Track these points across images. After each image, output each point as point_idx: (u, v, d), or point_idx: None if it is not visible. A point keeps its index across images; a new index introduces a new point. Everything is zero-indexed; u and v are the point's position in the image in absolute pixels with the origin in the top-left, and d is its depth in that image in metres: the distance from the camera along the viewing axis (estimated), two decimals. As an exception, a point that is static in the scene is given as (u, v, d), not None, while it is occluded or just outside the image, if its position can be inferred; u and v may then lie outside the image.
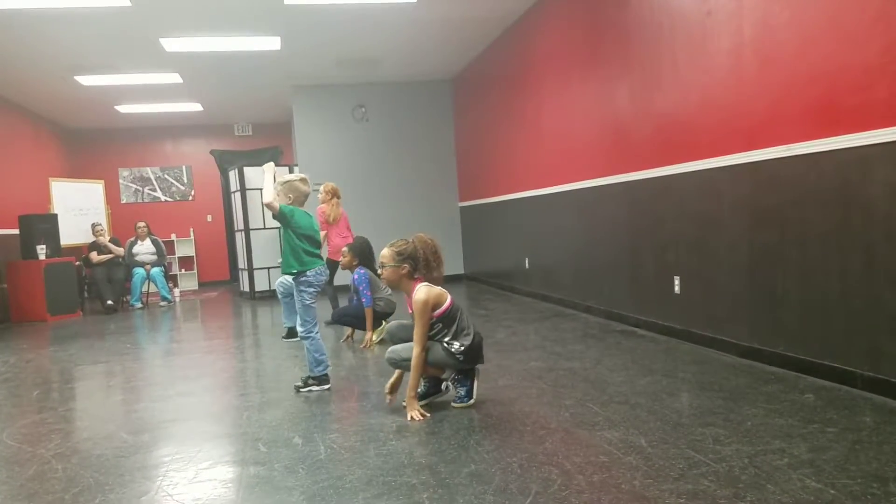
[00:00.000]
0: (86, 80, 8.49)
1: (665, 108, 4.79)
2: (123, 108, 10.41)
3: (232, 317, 8.13)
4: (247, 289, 9.70)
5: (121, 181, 12.26)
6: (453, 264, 10.09)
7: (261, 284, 9.55)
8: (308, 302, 3.91)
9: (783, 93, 3.68)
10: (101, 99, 9.69)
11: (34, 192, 9.61)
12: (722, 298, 4.30)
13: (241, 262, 9.99)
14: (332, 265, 6.02)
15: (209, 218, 12.60)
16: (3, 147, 8.99)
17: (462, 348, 3.33)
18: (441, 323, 3.36)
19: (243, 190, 9.50)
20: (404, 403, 3.38)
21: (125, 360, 5.52)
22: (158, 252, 9.91)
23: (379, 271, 3.53)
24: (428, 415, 3.28)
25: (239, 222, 9.82)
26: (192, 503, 2.45)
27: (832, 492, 2.18)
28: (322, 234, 6.05)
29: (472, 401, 3.41)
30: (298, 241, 3.86)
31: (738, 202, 4.08)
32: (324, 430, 3.23)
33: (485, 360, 3.53)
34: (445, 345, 3.35)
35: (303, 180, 3.99)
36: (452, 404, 3.43)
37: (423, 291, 3.32)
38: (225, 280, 12.59)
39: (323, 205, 6.41)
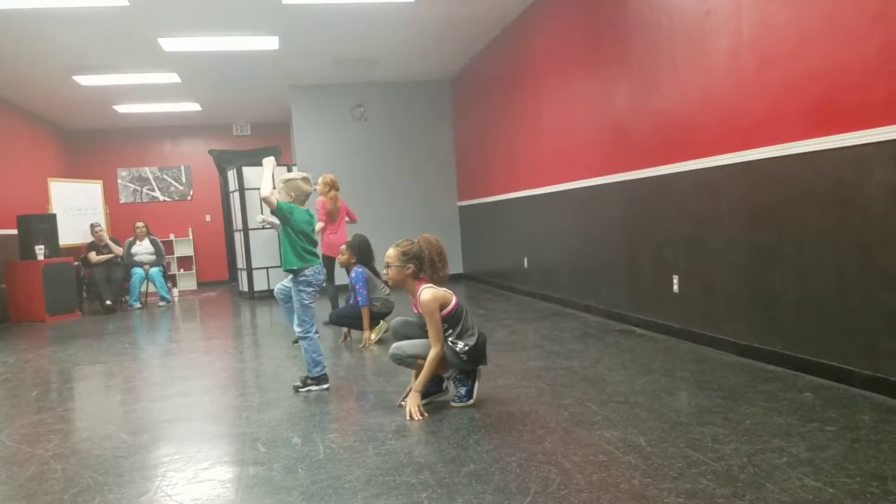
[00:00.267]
0: (84, 79, 8.48)
1: (663, 107, 4.79)
2: (122, 108, 10.40)
3: (231, 317, 8.13)
4: (245, 289, 9.70)
5: (119, 181, 12.25)
6: (452, 264, 9.93)
7: (259, 284, 9.54)
8: (307, 302, 3.90)
9: (781, 92, 3.69)
10: (99, 99, 9.68)
11: (33, 193, 9.59)
12: (720, 297, 4.30)
13: (240, 262, 9.99)
14: (328, 261, 5.89)
15: (208, 218, 12.58)
16: (2, 147, 8.98)
17: (466, 348, 3.34)
18: (446, 323, 3.37)
19: (242, 190, 9.49)
20: (401, 402, 3.39)
21: (124, 360, 5.52)
22: (157, 252, 9.89)
23: (384, 271, 3.53)
24: (426, 414, 3.28)
25: (238, 222, 9.82)
26: (191, 503, 2.45)
27: (831, 490, 2.18)
28: (319, 225, 5.97)
29: (471, 401, 3.41)
30: (297, 238, 3.87)
31: (737, 201, 4.08)
32: (323, 429, 3.23)
33: (488, 362, 3.54)
34: (450, 344, 3.35)
35: (305, 179, 3.99)
36: (452, 404, 3.44)
37: (428, 292, 3.32)
38: (224, 280, 12.56)
39: (322, 197, 6.20)
